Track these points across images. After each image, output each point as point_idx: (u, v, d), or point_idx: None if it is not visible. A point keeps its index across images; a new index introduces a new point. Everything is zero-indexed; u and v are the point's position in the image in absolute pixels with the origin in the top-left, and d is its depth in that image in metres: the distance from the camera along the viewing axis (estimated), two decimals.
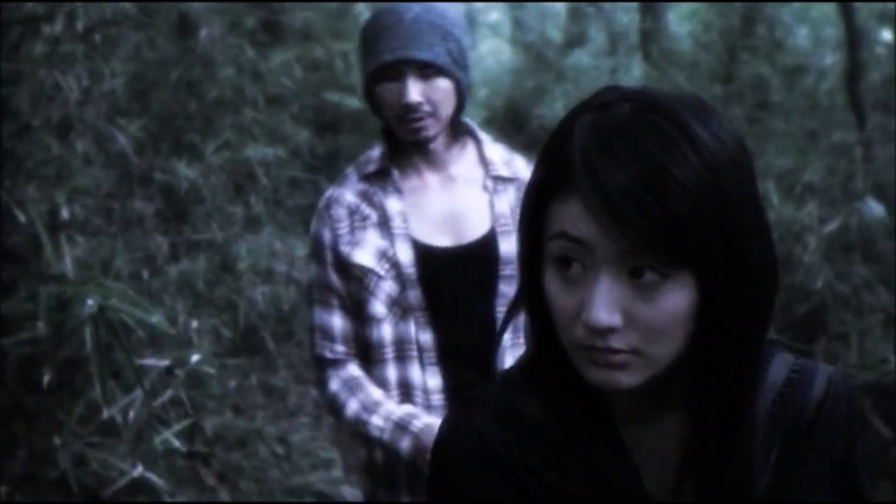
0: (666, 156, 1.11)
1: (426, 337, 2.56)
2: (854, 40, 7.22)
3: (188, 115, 6.31)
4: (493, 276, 2.56)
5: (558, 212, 1.17)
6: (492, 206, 2.59)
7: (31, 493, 2.94)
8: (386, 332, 2.57)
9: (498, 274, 2.56)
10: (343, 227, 2.59)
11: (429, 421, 2.49)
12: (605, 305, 1.15)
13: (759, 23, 10.74)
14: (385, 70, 2.46)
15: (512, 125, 18.46)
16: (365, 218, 2.61)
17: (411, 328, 2.56)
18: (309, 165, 6.76)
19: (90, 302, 2.50)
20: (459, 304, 2.58)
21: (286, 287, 5.82)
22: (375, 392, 2.58)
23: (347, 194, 2.61)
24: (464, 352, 2.57)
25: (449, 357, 2.57)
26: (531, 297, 1.27)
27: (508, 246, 2.55)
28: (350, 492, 4.99)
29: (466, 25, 2.66)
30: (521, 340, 2.39)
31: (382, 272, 2.56)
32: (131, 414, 3.04)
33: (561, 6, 22.74)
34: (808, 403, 1.31)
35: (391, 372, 2.59)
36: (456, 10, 2.60)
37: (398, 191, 2.59)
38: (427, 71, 2.46)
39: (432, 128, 2.51)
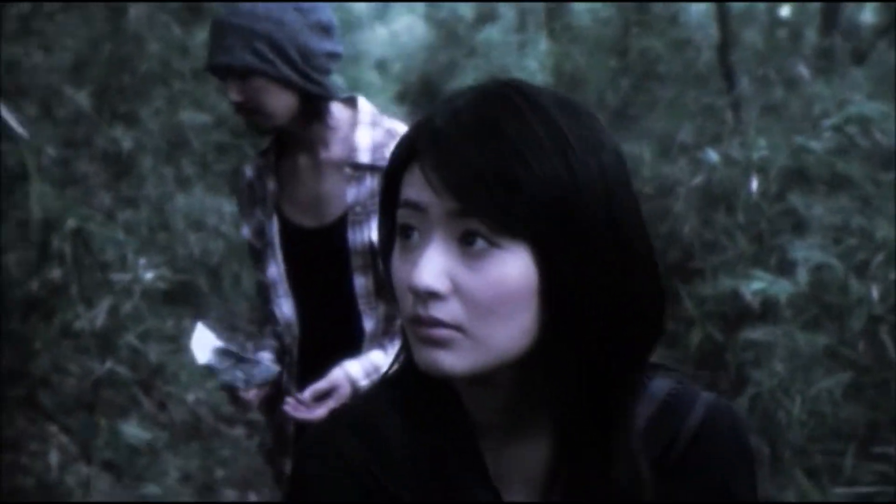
0: (513, 123, 1.11)
1: (288, 306, 2.75)
2: (724, 15, 8.14)
3: (121, 87, 7.02)
4: (347, 265, 2.67)
5: (406, 182, 1.17)
6: (345, 194, 2.67)
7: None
8: (269, 297, 2.81)
9: (350, 265, 2.67)
10: (242, 200, 2.87)
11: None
12: (429, 268, 1.12)
13: None
14: (212, 74, 2.63)
15: (425, 98, 19.15)
16: (254, 193, 2.81)
17: (276, 298, 2.77)
18: (233, 132, 7.51)
19: (71, 221, 3.27)
20: (318, 281, 2.74)
21: (215, 239, 6.59)
22: (269, 329, 2.88)
23: (248, 170, 2.84)
24: (325, 323, 2.74)
25: (308, 327, 2.75)
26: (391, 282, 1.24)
27: (359, 236, 2.66)
28: None
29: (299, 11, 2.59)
30: (397, 329, 2.66)
31: (259, 246, 2.80)
32: (98, 322, 3.83)
33: None
34: (682, 432, 1.24)
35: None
36: None
37: (275, 173, 2.77)
38: (236, 72, 2.53)
39: (263, 122, 2.62)
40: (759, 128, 6.73)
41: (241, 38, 2.49)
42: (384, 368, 2.47)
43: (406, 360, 1.27)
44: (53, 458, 4.05)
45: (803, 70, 7.32)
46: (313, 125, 2.66)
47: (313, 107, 2.63)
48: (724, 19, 8.14)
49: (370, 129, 2.68)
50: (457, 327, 1.13)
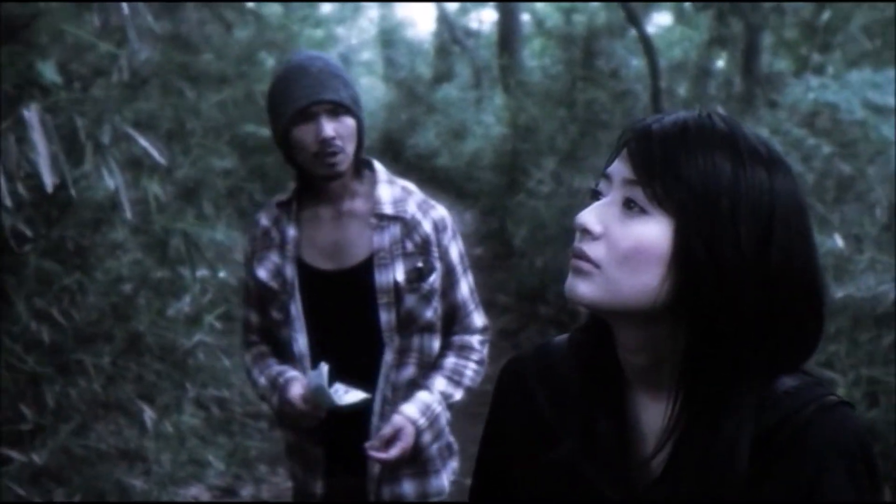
0: (697, 132, 1.36)
1: (304, 341, 2.97)
2: (654, 70, 9.71)
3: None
4: (372, 302, 2.91)
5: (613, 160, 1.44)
6: (372, 240, 2.93)
7: (134, 357, 5.14)
8: (282, 334, 3.01)
9: (377, 302, 2.91)
10: (256, 245, 3.06)
11: (291, 375, 2.96)
12: (593, 212, 1.39)
13: (598, 56, 13.09)
14: (300, 114, 2.83)
15: (388, 154, 20.48)
16: (271, 240, 3.02)
17: (293, 333, 2.97)
18: (241, 178, 8.96)
19: (180, 225, 4.72)
20: (336, 317, 2.97)
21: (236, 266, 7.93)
22: (270, 361, 3.07)
23: (264, 218, 3.06)
24: (337, 356, 2.91)
25: (322, 358, 2.89)
26: None
27: (385, 277, 2.92)
28: None
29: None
30: (409, 360, 2.99)
31: (276, 286, 2.99)
32: (186, 307, 5.26)
33: (429, 45, 24.81)
34: (788, 423, 1.37)
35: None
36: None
37: (296, 221, 3.00)
38: (336, 110, 2.83)
39: (343, 162, 2.87)
40: None
41: (342, 83, 2.87)
42: (434, 405, 2.95)
43: (590, 317, 1.53)
44: (148, 420, 5.32)
45: (719, 112, 8.90)
46: (358, 176, 3.01)
47: (358, 159, 2.97)
48: (654, 73, 9.70)
49: (389, 186, 3.00)
50: (596, 264, 1.38)
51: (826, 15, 8.74)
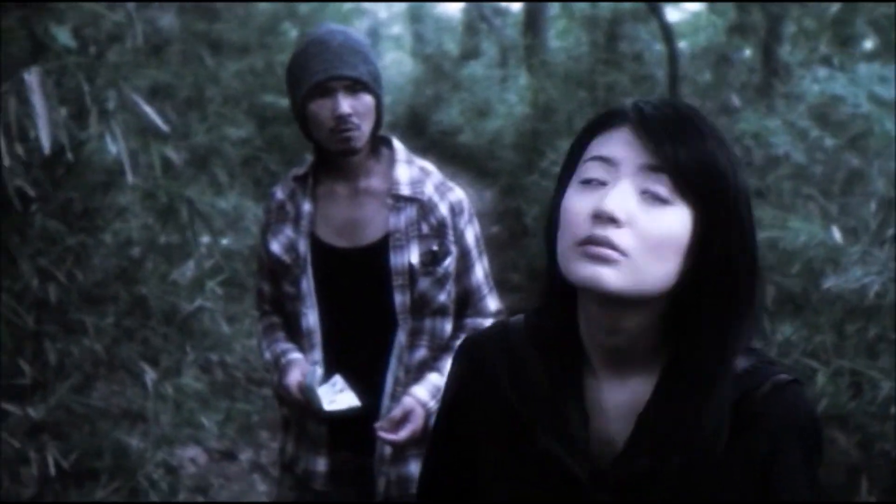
0: (701, 122, 1.42)
1: (314, 317, 2.94)
2: (673, 57, 9.73)
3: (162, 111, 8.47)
4: (386, 283, 2.88)
5: (597, 143, 1.44)
6: (387, 220, 2.90)
7: (138, 319, 5.23)
8: (293, 308, 3.00)
9: (391, 284, 2.88)
10: (270, 218, 3.04)
11: (293, 358, 2.95)
12: (616, 199, 1.37)
13: (622, 39, 13.10)
14: (317, 89, 2.79)
15: (413, 130, 20.67)
16: (286, 213, 3.00)
17: (303, 309, 2.96)
18: (257, 148, 9.04)
19: (186, 192, 4.81)
20: (348, 295, 2.94)
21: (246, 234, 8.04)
22: (279, 335, 3.07)
23: (279, 191, 3.05)
24: (348, 334, 2.94)
25: (333, 336, 2.95)
26: (551, 224, 1.47)
27: (399, 259, 2.88)
28: None
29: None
30: (421, 342, 2.97)
31: (289, 261, 2.96)
32: (188, 272, 5.36)
33: (457, 21, 24.88)
34: (747, 400, 1.43)
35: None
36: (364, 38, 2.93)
37: (311, 196, 2.96)
38: (354, 87, 2.80)
39: (359, 139, 2.83)
40: None
41: (362, 59, 2.83)
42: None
43: (548, 298, 1.55)
44: (149, 381, 5.41)
45: (735, 101, 8.97)
46: (375, 154, 2.98)
47: (375, 137, 2.95)
48: (672, 61, 9.72)
49: (407, 166, 2.96)
50: (623, 252, 1.36)
51: (834, 7, 8.73)
